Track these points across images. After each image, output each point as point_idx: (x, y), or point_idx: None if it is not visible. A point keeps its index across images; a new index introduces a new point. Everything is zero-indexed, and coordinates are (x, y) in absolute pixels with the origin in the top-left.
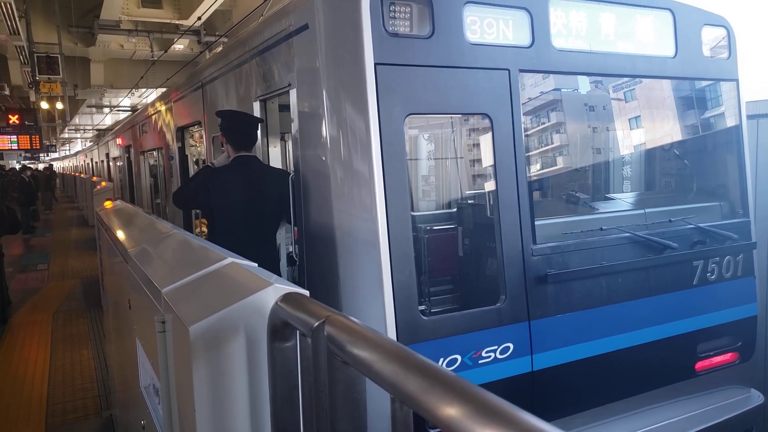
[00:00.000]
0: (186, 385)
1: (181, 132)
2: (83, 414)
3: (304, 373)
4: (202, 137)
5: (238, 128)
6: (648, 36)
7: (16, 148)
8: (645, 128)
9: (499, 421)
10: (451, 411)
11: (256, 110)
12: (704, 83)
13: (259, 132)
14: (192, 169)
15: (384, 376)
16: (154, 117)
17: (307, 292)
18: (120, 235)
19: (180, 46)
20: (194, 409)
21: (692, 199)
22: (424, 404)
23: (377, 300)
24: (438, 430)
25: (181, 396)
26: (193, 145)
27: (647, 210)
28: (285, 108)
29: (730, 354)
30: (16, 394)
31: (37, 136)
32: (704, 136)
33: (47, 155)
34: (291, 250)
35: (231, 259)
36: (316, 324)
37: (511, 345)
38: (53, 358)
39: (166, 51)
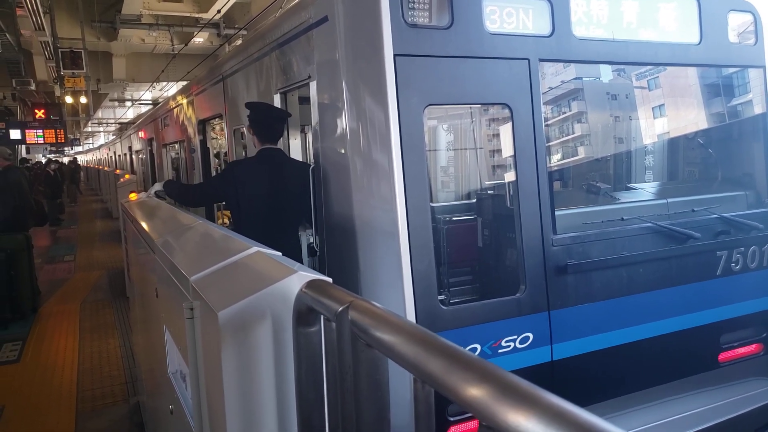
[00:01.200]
0: (214, 370)
1: (203, 125)
2: (111, 400)
3: (329, 356)
4: (223, 130)
5: (266, 121)
6: (671, 23)
7: (42, 142)
8: (668, 117)
9: (522, 402)
10: (474, 391)
11: (277, 102)
12: (730, 70)
13: None
14: (213, 162)
15: (407, 358)
16: (175, 110)
17: (330, 280)
18: (146, 226)
19: (200, 39)
20: (223, 392)
21: (716, 188)
22: (447, 384)
23: (397, 290)
24: (457, 416)
25: (209, 380)
26: (214, 138)
27: (669, 200)
28: (305, 100)
29: (754, 345)
30: (47, 381)
31: (62, 130)
32: (729, 124)
33: (71, 149)
34: (312, 240)
35: (256, 248)
36: (341, 309)
37: (530, 335)
38: (82, 347)
39: (186, 44)
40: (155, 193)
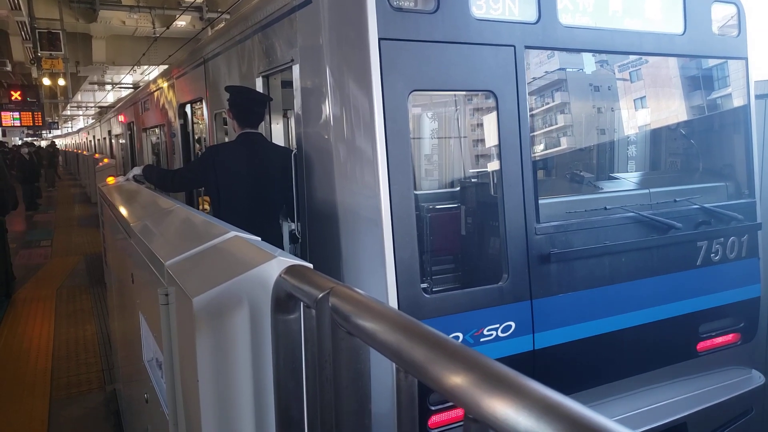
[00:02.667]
0: (189, 357)
1: (183, 109)
2: (87, 388)
3: (308, 344)
4: (203, 114)
5: (246, 105)
6: (656, 12)
7: (19, 124)
8: (650, 108)
9: (504, 389)
10: (456, 379)
11: (259, 86)
12: (713, 61)
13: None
14: (193, 146)
15: (389, 346)
16: (155, 94)
17: (310, 265)
18: (123, 210)
19: (182, 22)
20: (197, 380)
21: (698, 179)
22: (430, 373)
23: (379, 277)
24: (439, 405)
25: (184, 368)
26: (195, 123)
27: (652, 190)
28: (288, 84)
29: (732, 335)
30: (21, 367)
31: (39, 113)
32: (711, 115)
33: (49, 132)
34: (293, 227)
35: (234, 233)
36: (321, 295)
37: (512, 323)
38: (57, 333)
39: (168, 27)
40: (133, 177)
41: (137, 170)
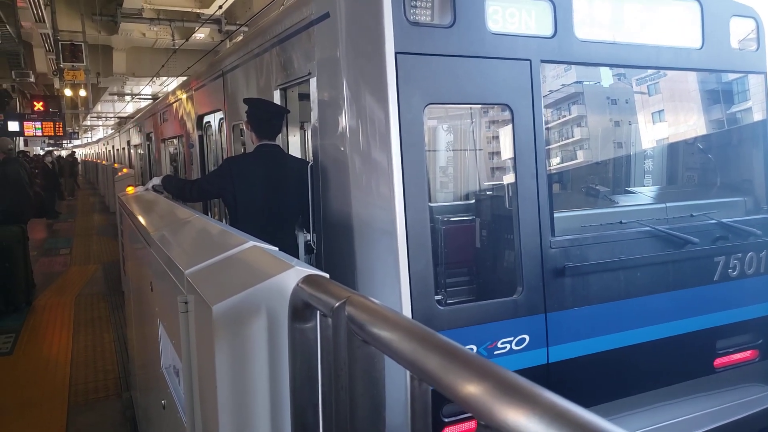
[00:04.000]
0: (207, 364)
1: (202, 120)
2: (104, 395)
3: (324, 352)
4: (222, 126)
5: (264, 117)
6: (674, 27)
7: (41, 134)
8: (668, 122)
9: (517, 397)
10: (471, 388)
11: (276, 99)
12: (731, 76)
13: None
14: (211, 158)
15: (404, 355)
16: (174, 105)
17: (327, 275)
18: (142, 220)
19: (201, 35)
20: (216, 387)
21: (715, 193)
22: (444, 381)
23: (393, 289)
24: (451, 416)
25: (202, 374)
26: (212, 135)
27: (668, 204)
28: (305, 97)
29: (750, 351)
30: (39, 373)
31: (61, 123)
32: (729, 130)
33: (70, 142)
34: (309, 238)
35: (252, 242)
36: (337, 304)
37: (527, 337)
38: (75, 340)
39: (187, 40)
40: (152, 187)
41: (156, 180)
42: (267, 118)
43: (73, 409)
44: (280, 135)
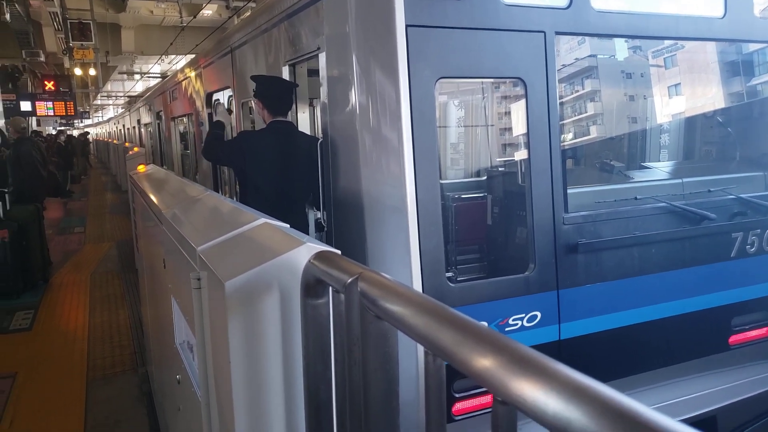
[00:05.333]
0: (221, 340)
1: (211, 98)
2: (121, 369)
3: (336, 328)
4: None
5: (275, 93)
6: None
7: (52, 114)
8: (685, 95)
9: (533, 372)
10: (485, 362)
11: (285, 75)
12: (753, 46)
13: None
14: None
15: (417, 330)
16: (183, 83)
17: (338, 251)
18: (154, 198)
19: (209, 11)
20: (229, 362)
21: (734, 168)
22: (458, 356)
23: (404, 266)
24: (463, 392)
25: (216, 350)
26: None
27: (685, 179)
28: (313, 73)
29: (765, 328)
30: (58, 348)
31: (72, 103)
32: (750, 102)
33: (81, 122)
34: (319, 216)
35: (264, 219)
36: (350, 280)
37: (538, 313)
38: (92, 317)
39: (194, 17)
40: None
41: (221, 115)
42: (278, 94)
43: (92, 383)
44: (290, 112)
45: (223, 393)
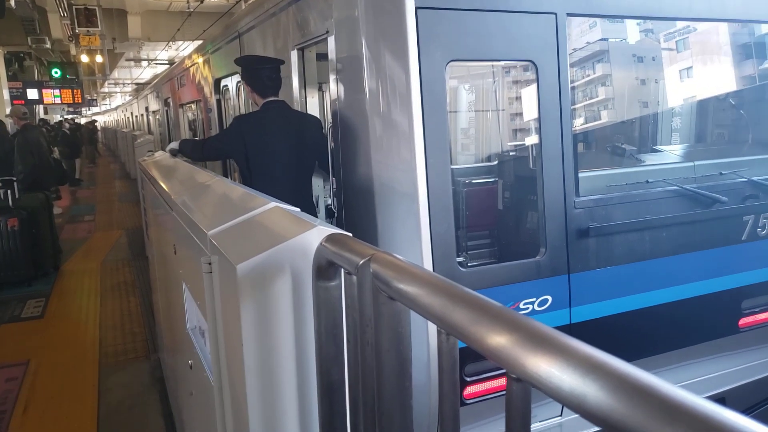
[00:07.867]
0: (233, 323)
1: (219, 84)
2: (133, 356)
3: (349, 309)
4: (240, 89)
5: (260, 73)
6: None
7: (59, 102)
8: (697, 78)
9: (548, 348)
10: (500, 339)
11: (294, 59)
12: (766, 27)
13: (296, 81)
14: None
15: (431, 309)
16: (191, 69)
17: (350, 234)
18: (163, 184)
19: None
20: (242, 345)
21: (747, 151)
22: (472, 334)
23: (415, 252)
24: (474, 376)
25: (228, 334)
26: (230, 98)
27: (696, 163)
28: (323, 57)
29: None
30: (70, 336)
31: (79, 90)
32: (763, 85)
33: (89, 109)
34: (329, 202)
35: (274, 203)
36: (362, 261)
37: (549, 297)
38: (103, 304)
39: (202, 2)
40: (169, 150)
41: (174, 144)
42: (263, 74)
43: (104, 370)
44: (299, 97)
45: (235, 376)
